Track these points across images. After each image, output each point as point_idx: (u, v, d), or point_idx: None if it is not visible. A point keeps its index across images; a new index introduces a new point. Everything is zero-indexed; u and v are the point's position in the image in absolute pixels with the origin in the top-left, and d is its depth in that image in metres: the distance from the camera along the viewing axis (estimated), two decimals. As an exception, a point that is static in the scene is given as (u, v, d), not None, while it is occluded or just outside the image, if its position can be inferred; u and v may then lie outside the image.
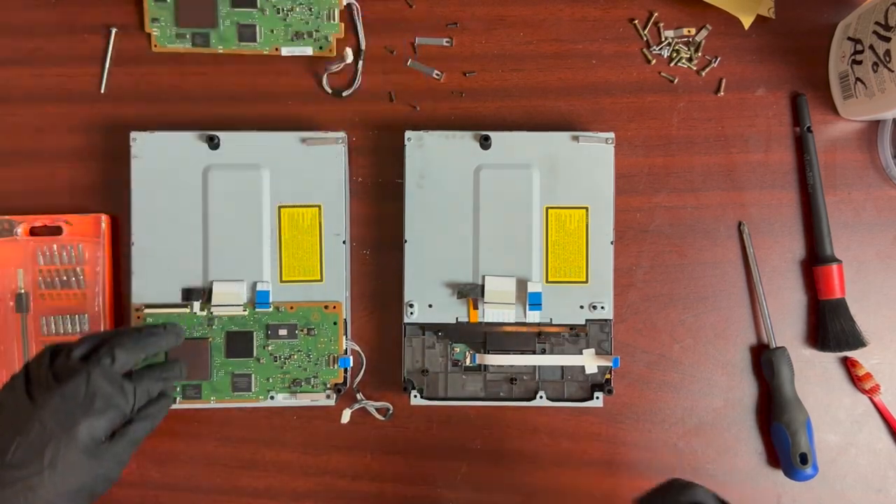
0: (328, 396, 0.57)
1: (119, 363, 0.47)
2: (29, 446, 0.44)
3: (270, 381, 0.56)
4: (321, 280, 0.57)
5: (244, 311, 0.56)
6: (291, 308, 0.56)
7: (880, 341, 0.59)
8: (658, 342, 0.59)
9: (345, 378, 0.57)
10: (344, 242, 0.57)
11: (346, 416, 0.56)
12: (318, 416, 0.58)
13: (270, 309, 0.56)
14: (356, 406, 0.57)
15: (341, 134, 0.57)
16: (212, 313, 0.56)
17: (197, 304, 0.56)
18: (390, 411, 0.58)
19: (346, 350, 0.57)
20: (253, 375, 0.56)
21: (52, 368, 0.46)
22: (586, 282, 0.57)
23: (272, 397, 0.56)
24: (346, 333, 0.57)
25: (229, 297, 0.56)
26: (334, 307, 0.57)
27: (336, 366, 0.56)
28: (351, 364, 0.57)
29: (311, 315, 0.56)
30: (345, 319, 0.57)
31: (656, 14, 0.60)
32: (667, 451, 0.59)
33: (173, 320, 0.56)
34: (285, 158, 0.57)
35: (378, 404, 0.58)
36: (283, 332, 0.56)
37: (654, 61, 0.60)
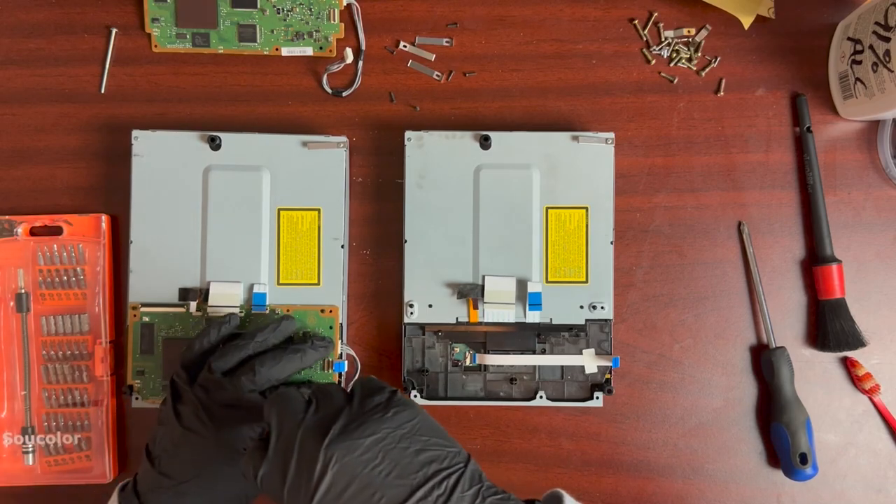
0: None
1: (259, 383, 0.49)
2: (177, 457, 0.47)
3: None
4: (318, 283, 0.57)
5: (241, 312, 0.56)
6: (288, 311, 0.56)
7: (880, 341, 0.59)
8: (658, 342, 0.59)
9: (339, 382, 0.57)
10: (342, 247, 0.57)
11: None
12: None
13: (267, 311, 0.56)
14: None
15: (343, 138, 0.57)
16: (208, 314, 0.56)
17: (193, 305, 0.56)
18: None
19: (341, 354, 0.57)
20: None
21: (193, 383, 0.49)
22: (586, 282, 0.57)
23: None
24: (341, 338, 0.57)
25: (226, 298, 0.56)
26: (331, 311, 0.56)
27: (331, 370, 0.56)
28: (346, 369, 0.57)
29: (308, 318, 0.56)
30: (341, 324, 0.57)
31: (656, 14, 0.60)
32: (667, 451, 0.59)
33: (169, 320, 0.56)
34: (286, 161, 0.57)
35: None
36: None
37: (654, 61, 0.60)
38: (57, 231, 0.57)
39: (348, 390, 0.43)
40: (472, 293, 0.56)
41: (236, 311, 0.55)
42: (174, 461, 0.48)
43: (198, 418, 0.48)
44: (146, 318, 0.56)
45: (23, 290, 0.57)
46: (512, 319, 0.56)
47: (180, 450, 0.48)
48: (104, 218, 0.58)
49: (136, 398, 0.56)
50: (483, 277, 0.56)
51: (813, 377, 0.59)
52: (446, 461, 0.40)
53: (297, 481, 0.38)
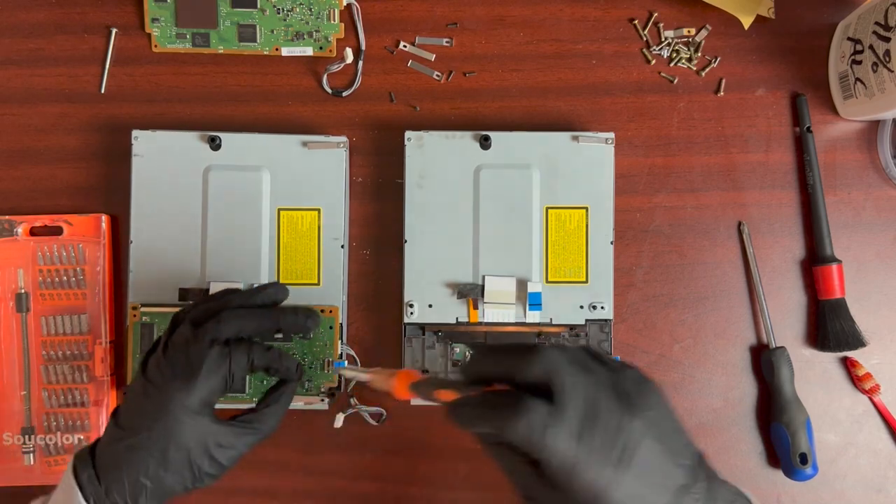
0: (322, 400, 0.56)
1: (222, 331, 0.47)
2: (134, 409, 0.46)
3: (265, 383, 0.56)
4: (318, 283, 0.57)
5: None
6: None
7: (880, 341, 0.59)
8: (658, 342, 0.59)
9: (339, 383, 0.57)
10: (342, 247, 0.57)
11: (339, 420, 0.56)
12: (318, 416, 0.58)
13: None
14: (350, 411, 0.57)
15: (343, 138, 0.57)
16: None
17: (194, 305, 0.56)
18: (384, 416, 0.58)
19: (341, 354, 0.56)
20: (248, 377, 0.56)
21: (170, 337, 0.48)
22: (586, 282, 0.57)
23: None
24: (341, 338, 0.57)
25: None
26: (331, 311, 0.56)
27: (331, 370, 0.56)
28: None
29: None
30: (341, 324, 0.57)
31: (656, 14, 0.60)
32: (667, 451, 0.59)
33: (169, 319, 0.56)
34: (286, 161, 0.57)
35: (372, 409, 0.58)
36: (278, 334, 0.56)
37: (654, 61, 0.60)
38: (57, 231, 0.57)
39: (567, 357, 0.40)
40: (472, 293, 0.56)
41: (240, 285, 0.54)
42: (131, 413, 0.46)
43: (158, 368, 0.46)
44: (146, 318, 0.56)
45: (23, 290, 0.57)
46: (512, 319, 0.56)
47: (139, 401, 0.46)
48: (104, 218, 0.58)
49: (136, 398, 0.56)
50: (483, 277, 0.56)
51: (813, 377, 0.59)
52: (693, 444, 0.39)
53: (601, 445, 0.36)
